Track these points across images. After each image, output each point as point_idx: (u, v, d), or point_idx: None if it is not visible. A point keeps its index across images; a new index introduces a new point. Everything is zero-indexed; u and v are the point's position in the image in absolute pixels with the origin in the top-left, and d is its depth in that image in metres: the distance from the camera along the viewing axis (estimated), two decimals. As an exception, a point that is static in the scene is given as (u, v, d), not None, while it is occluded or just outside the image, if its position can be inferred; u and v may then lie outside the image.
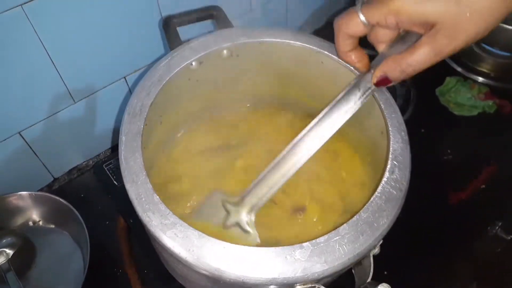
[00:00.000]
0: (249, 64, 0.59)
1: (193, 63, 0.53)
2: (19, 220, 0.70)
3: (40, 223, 0.71)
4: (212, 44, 0.54)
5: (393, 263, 0.63)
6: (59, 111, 0.70)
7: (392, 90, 0.86)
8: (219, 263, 0.37)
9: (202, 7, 0.60)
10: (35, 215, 0.70)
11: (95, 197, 0.75)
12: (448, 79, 0.87)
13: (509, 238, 0.66)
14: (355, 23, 0.40)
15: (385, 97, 0.50)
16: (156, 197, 0.40)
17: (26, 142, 0.69)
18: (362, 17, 0.39)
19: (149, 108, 0.47)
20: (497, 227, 0.66)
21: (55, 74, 0.65)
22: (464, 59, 0.93)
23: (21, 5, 0.56)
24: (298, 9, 0.98)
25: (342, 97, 0.45)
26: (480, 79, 0.88)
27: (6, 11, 0.55)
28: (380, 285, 0.37)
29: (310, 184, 0.59)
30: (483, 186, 0.72)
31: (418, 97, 0.85)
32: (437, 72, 0.91)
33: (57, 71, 0.65)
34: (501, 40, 0.83)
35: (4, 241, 0.63)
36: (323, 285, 0.39)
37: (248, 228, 0.48)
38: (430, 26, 0.35)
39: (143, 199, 0.40)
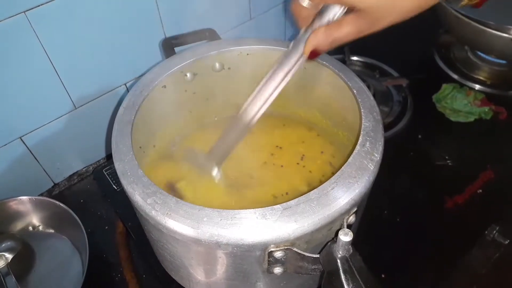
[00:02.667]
0: (240, 76, 0.63)
1: (188, 75, 0.59)
2: (19, 225, 0.70)
3: (40, 227, 0.71)
4: (201, 53, 0.59)
5: (390, 267, 0.63)
6: (60, 117, 0.71)
7: (389, 97, 0.87)
8: (194, 224, 0.39)
9: (197, 30, 0.68)
10: (35, 220, 0.71)
11: (95, 203, 0.76)
12: (444, 85, 0.87)
13: (506, 242, 0.66)
14: (303, 8, 0.44)
15: (358, 86, 0.54)
16: (140, 172, 0.44)
17: (27, 147, 0.70)
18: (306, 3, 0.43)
19: (140, 104, 0.52)
20: (494, 232, 0.66)
21: (57, 80, 0.67)
22: (460, 66, 0.94)
23: (24, 12, 0.57)
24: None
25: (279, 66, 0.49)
26: (477, 86, 0.89)
27: (9, 17, 0.56)
28: (340, 230, 0.38)
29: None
30: (480, 191, 0.72)
31: (415, 104, 0.86)
32: (433, 79, 0.92)
33: (59, 77, 0.66)
34: (496, 48, 0.84)
35: (3, 245, 0.63)
36: (298, 249, 0.40)
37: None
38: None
39: (129, 173, 0.44)
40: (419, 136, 0.82)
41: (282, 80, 0.48)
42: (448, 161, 0.77)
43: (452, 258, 0.65)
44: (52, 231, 0.71)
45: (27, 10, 0.57)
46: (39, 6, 0.58)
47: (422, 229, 0.68)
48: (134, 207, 0.44)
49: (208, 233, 0.38)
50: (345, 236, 0.36)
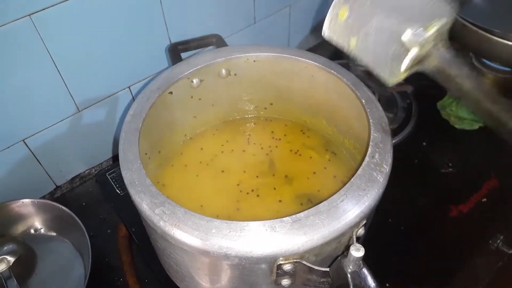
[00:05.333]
0: (246, 82, 0.63)
1: (194, 81, 0.58)
2: (21, 228, 0.70)
3: (42, 230, 0.71)
4: (208, 60, 0.59)
5: (395, 276, 0.63)
6: (63, 120, 0.70)
7: (394, 103, 0.87)
8: (202, 235, 0.39)
9: (203, 35, 0.67)
10: (37, 223, 0.70)
11: (97, 206, 0.76)
12: (449, 92, 0.87)
13: (510, 252, 0.65)
14: None
15: (367, 96, 0.53)
16: (148, 181, 0.44)
17: (30, 149, 0.69)
18: None
19: (148, 111, 0.52)
20: (498, 241, 0.66)
21: (61, 83, 0.66)
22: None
23: (29, 15, 0.57)
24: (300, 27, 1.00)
25: None
26: (481, 93, 0.89)
27: (14, 21, 0.56)
28: (352, 245, 0.37)
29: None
30: (484, 199, 0.72)
31: (420, 111, 0.86)
32: (438, 86, 0.91)
33: (63, 80, 0.66)
34: (502, 56, 0.84)
35: (5, 248, 0.63)
36: (306, 262, 0.39)
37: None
38: None
39: (136, 182, 0.44)
40: (424, 143, 0.81)
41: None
42: (453, 169, 0.77)
43: (456, 268, 0.64)
44: (54, 234, 0.70)
45: (32, 14, 0.57)
46: (44, 9, 0.58)
47: (427, 237, 0.68)
48: (141, 216, 0.44)
49: (216, 245, 0.38)
50: (357, 252, 0.36)
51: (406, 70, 0.43)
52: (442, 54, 0.44)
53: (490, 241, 0.66)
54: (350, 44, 0.42)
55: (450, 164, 0.78)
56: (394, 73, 0.43)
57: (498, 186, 0.74)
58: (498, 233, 0.67)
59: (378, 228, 0.67)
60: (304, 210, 0.56)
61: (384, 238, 0.68)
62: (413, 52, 0.42)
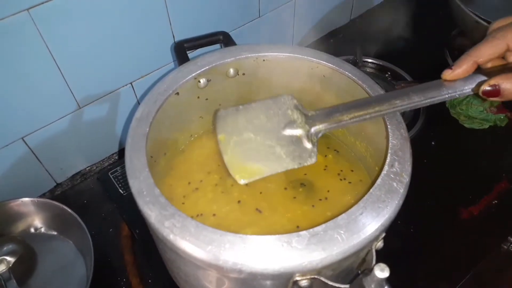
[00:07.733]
0: (254, 81, 0.61)
1: (201, 81, 0.56)
2: (20, 227, 0.68)
3: (42, 229, 0.69)
4: (216, 60, 0.56)
5: (403, 279, 0.62)
6: (63, 117, 0.68)
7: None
8: (215, 250, 0.37)
9: (210, 32, 0.65)
10: (37, 222, 0.69)
11: (98, 204, 0.74)
12: (459, 91, 0.85)
13: (520, 254, 0.65)
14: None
15: None
16: (157, 191, 0.42)
17: (29, 147, 0.68)
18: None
19: (155, 114, 0.50)
20: (509, 244, 0.65)
21: (61, 79, 0.64)
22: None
23: (27, 9, 0.55)
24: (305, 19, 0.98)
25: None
26: (490, 91, 0.87)
27: (12, 15, 0.54)
28: (376, 265, 0.36)
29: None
30: (495, 201, 0.71)
31: (428, 109, 0.84)
32: (446, 83, 0.90)
33: (63, 76, 0.64)
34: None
35: (5, 248, 0.61)
36: (324, 278, 0.38)
37: (307, 145, 0.46)
38: None
39: (145, 192, 0.42)
40: (432, 143, 0.80)
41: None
42: (463, 170, 0.76)
43: (466, 271, 0.64)
44: (55, 233, 0.69)
45: (30, 8, 0.55)
46: (42, 3, 0.55)
47: (436, 240, 0.67)
48: (149, 228, 0.42)
49: (230, 261, 0.36)
50: (382, 272, 0.34)
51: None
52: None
53: (501, 244, 0.65)
54: None
55: (460, 165, 0.77)
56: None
57: (510, 187, 0.73)
58: (510, 236, 0.66)
59: (387, 230, 0.66)
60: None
61: (392, 241, 0.66)
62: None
